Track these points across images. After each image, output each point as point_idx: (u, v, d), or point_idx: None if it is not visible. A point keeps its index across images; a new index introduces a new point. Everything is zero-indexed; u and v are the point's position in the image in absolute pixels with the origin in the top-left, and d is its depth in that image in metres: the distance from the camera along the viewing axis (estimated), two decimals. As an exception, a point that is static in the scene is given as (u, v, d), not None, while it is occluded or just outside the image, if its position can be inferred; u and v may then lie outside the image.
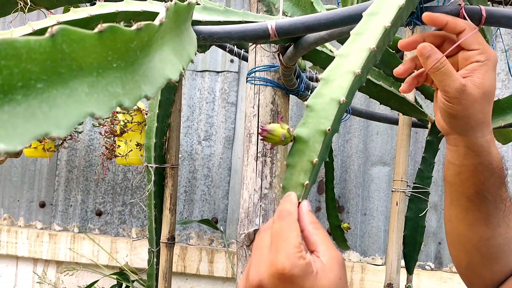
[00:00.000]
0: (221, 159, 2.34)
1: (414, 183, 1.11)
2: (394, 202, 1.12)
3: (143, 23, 0.38)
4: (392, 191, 1.13)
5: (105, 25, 0.33)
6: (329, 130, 0.51)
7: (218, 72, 2.38)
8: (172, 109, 1.25)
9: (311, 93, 1.18)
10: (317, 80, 1.32)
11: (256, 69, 1.09)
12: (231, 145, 2.35)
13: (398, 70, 0.65)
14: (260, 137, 0.54)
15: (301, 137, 0.52)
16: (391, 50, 0.98)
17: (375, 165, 2.22)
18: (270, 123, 1.07)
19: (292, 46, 0.88)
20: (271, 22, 0.67)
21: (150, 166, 1.24)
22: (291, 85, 1.08)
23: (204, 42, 0.70)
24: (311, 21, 0.66)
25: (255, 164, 1.06)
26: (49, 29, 0.29)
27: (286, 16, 0.97)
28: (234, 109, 2.36)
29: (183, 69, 0.54)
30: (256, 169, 1.05)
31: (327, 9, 1.26)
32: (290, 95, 1.14)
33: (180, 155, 2.34)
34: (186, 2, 0.54)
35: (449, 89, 0.54)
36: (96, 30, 0.33)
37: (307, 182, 0.50)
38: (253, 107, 1.09)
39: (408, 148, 1.15)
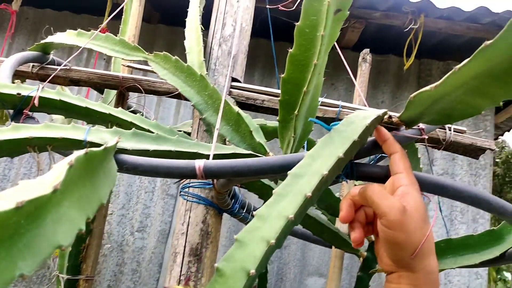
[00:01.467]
0: (152, 254, 2.20)
1: (342, 322, 1.06)
2: None
3: (25, 200, 0.33)
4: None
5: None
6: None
7: (162, 161, 2.33)
8: (97, 214, 1.17)
9: (247, 211, 1.15)
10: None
11: (191, 184, 1.05)
12: (166, 239, 2.23)
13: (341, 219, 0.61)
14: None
15: (206, 303, 0.48)
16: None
17: (311, 275, 2.16)
18: (198, 243, 1.02)
19: (225, 174, 0.85)
20: (199, 162, 0.64)
21: (61, 277, 1.12)
22: (225, 206, 1.04)
23: (128, 173, 0.66)
24: (241, 166, 0.64)
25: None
26: None
27: (225, 141, 0.96)
28: (174, 202, 2.28)
29: (89, 218, 0.49)
30: (177, 294, 0.97)
31: (272, 127, 1.27)
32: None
33: (109, 245, 2.19)
34: (102, 148, 0.50)
35: (389, 210, 0.51)
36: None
37: None
38: (182, 225, 1.03)
39: (339, 282, 1.11)
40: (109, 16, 2.00)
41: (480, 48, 0.47)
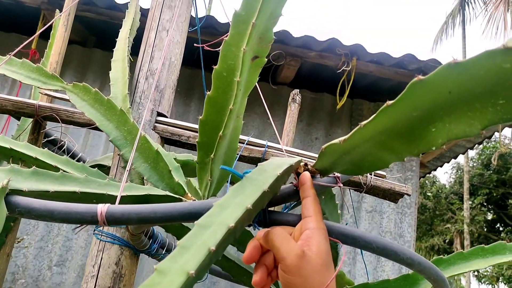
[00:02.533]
0: (71, 291, 2.06)
1: None
2: None
3: None
4: None
5: None
6: None
7: (88, 191, 2.22)
8: (0, 252, 1.07)
9: (167, 251, 1.10)
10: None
11: (106, 223, 0.99)
12: (87, 275, 2.09)
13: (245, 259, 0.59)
14: None
15: None
16: (245, 228, 0.96)
17: (239, 313, 2.11)
18: (109, 287, 0.95)
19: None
20: (102, 207, 0.60)
21: (-50, 324, 1.00)
22: (142, 246, 0.99)
23: (22, 217, 0.60)
24: (147, 213, 0.61)
25: (82, 337, 0.90)
26: None
27: (143, 180, 0.91)
28: (98, 235, 2.16)
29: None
30: None
31: (186, 160, 1.24)
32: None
33: (23, 281, 2.02)
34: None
35: (287, 255, 0.51)
36: None
37: None
38: (93, 266, 0.96)
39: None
40: (38, 37, 1.92)
41: (382, 107, 0.48)
